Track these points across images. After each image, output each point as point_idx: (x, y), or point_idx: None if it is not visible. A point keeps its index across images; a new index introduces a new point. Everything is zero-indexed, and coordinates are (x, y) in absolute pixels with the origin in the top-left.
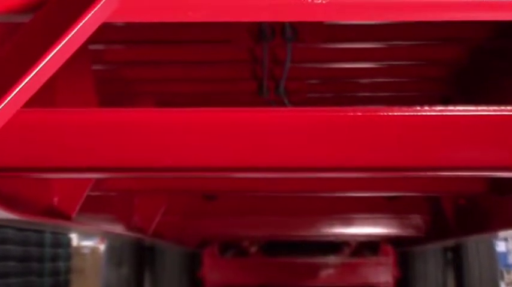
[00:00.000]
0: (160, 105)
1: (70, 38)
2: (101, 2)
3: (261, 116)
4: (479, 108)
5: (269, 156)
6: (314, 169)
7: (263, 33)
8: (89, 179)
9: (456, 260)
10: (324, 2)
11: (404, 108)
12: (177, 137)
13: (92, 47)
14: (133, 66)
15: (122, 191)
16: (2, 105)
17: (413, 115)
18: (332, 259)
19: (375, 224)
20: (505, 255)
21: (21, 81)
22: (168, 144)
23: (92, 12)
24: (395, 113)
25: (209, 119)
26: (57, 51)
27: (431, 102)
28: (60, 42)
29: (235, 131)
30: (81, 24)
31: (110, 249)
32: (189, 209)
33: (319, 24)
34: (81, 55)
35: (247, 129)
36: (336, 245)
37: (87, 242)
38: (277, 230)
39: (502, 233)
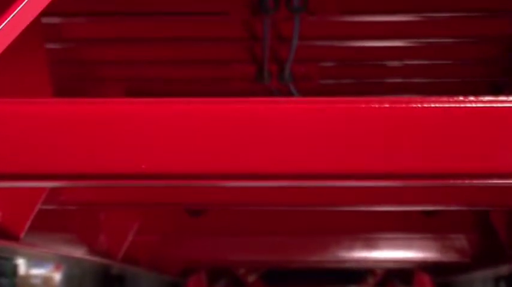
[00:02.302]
0: (132, 95)
1: (20, 9)
2: None
3: (261, 109)
4: None
5: (271, 160)
6: (329, 177)
7: (263, 2)
8: (41, 189)
9: None
10: None
11: (444, 99)
12: (153, 135)
13: (45, 20)
14: (98, 45)
15: (84, 204)
16: None
17: (456, 107)
18: None
19: (407, 246)
20: None
21: None
22: (142, 144)
23: None
24: (433, 105)
25: (194, 112)
26: (4, 26)
27: (479, 91)
28: (8, 15)
29: (227, 128)
30: None
31: (68, 278)
32: (169, 227)
33: None
34: (33, 30)
35: (243, 125)
36: (357, 274)
37: (38, 269)
38: (281, 254)
39: None
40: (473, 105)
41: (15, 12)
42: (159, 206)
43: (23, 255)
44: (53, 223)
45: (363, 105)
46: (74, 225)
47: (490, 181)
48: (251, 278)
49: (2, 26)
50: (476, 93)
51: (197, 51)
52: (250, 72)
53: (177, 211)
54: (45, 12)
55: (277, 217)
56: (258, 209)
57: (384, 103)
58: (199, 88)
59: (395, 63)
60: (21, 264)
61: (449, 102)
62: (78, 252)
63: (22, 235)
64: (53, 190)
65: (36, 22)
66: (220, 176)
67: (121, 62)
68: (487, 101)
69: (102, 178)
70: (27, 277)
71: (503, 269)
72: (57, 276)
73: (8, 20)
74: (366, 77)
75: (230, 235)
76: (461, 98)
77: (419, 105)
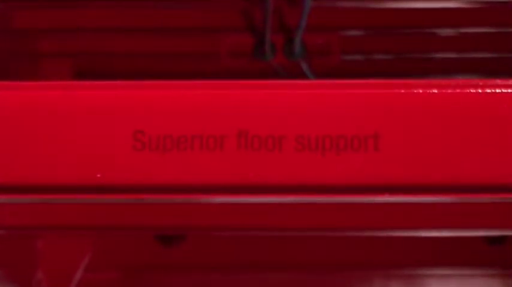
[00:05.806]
0: (84, 76)
1: None
2: None
3: (261, 96)
4: None
5: (275, 165)
6: (356, 189)
7: None
8: None
9: None
10: None
11: None
12: (113, 133)
13: None
14: (36, 7)
15: (15, 228)
16: None
17: None
18: None
19: (465, 286)
20: None
21: None
22: (98, 145)
23: None
24: (498, 90)
25: (170, 100)
26: None
27: None
28: None
29: (215, 122)
30: None
31: None
32: (132, 261)
33: None
34: None
35: (236, 118)
36: None
37: None
38: None
39: None
40: None
41: None
42: (120, 230)
43: None
44: None
45: (403, 91)
46: (2, 257)
47: None
48: None
49: None
50: None
51: (173, 16)
52: (246, 44)
53: (145, 238)
54: None
55: (284, 245)
56: (257, 235)
57: (432, 88)
58: (177, 66)
59: (447, 31)
60: None
61: None
62: None
63: None
64: None
65: None
66: (205, 189)
67: (68, 30)
68: None
69: (41, 190)
70: None
71: None
72: None
73: None
74: (406, 50)
75: (218, 272)
76: None
77: (479, 91)
